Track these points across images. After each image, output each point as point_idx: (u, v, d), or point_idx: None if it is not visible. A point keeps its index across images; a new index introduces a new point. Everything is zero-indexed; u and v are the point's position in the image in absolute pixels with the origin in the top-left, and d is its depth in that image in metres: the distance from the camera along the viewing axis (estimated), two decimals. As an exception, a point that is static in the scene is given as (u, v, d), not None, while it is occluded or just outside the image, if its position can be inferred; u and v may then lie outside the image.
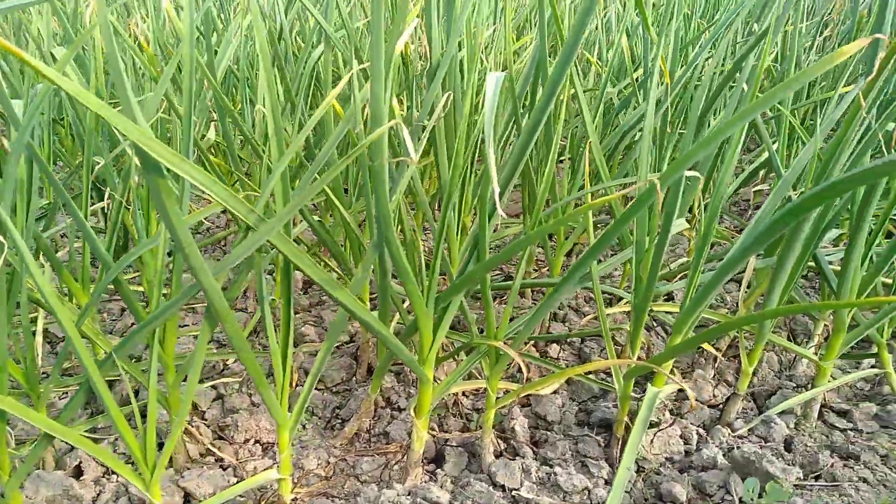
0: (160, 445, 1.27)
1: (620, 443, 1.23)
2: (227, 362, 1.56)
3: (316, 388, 1.47)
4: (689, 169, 0.97)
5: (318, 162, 0.96)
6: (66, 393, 1.43)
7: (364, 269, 1.09)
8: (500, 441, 1.30)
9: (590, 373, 1.52)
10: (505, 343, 1.13)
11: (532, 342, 1.60)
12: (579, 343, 1.63)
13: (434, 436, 1.31)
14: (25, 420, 0.88)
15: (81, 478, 1.18)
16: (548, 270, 1.96)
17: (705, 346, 1.36)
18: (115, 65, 0.69)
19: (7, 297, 0.91)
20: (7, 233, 0.81)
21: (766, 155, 1.65)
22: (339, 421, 1.40)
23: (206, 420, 1.39)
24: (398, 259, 0.98)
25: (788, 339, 1.68)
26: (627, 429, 1.23)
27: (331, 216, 1.79)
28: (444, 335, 1.11)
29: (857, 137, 1.08)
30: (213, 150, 1.87)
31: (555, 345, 1.61)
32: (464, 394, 1.46)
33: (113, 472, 1.22)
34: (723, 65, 1.67)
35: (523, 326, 1.11)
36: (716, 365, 1.49)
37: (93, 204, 1.52)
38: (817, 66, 0.73)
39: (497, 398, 1.22)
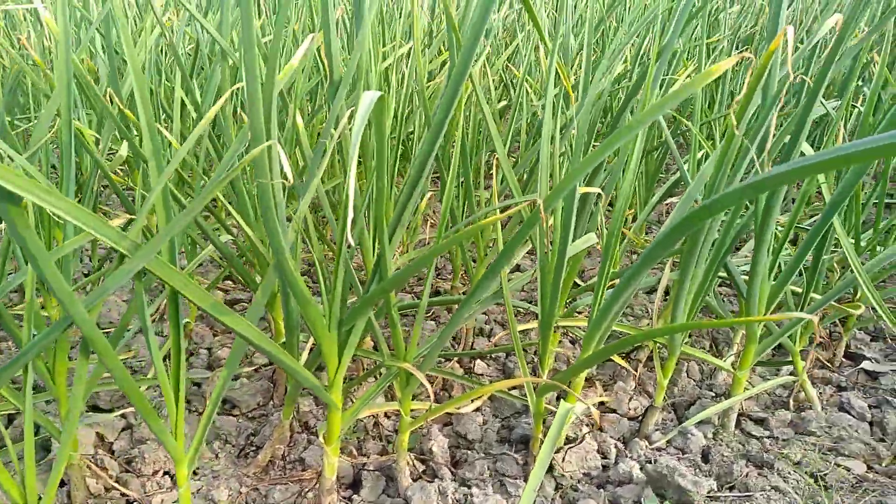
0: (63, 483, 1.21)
1: (535, 460, 1.21)
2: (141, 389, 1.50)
3: (230, 415, 1.42)
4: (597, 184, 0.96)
5: (213, 181, 0.92)
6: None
7: (264, 292, 1.05)
8: (419, 463, 1.27)
9: (514, 388, 1.51)
10: (414, 364, 1.11)
11: (456, 358, 1.58)
12: (504, 358, 1.61)
13: (352, 460, 1.28)
14: None
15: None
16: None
17: (616, 358, 1.36)
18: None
19: None
20: None
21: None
22: (254, 448, 1.35)
23: (113, 452, 1.33)
24: (292, 282, 0.95)
25: (711, 348, 1.70)
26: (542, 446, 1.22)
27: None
28: (351, 358, 1.08)
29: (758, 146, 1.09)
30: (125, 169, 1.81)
31: (480, 360, 1.59)
32: (386, 415, 1.43)
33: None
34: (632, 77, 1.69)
35: (430, 348, 1.09)
36: (637, 376, 1.49)
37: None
38: (695, 81, 0.73)
39: (415, 418, 1.19)
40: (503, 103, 2.23)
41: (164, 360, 1.52)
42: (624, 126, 0.79)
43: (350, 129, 1.32)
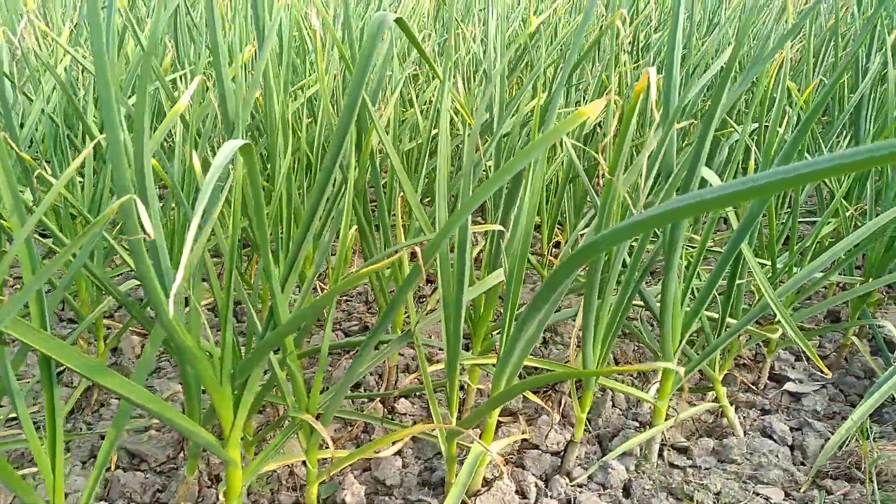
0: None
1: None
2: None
3: (137, 470, 1.35)
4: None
5: (81, 235, 0.87)
6: None
7: (153, 345, 1.00)
8: (331, 514, 1.22)
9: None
10: (317, 417, 1.07)
11: (380, 398, 1.54)
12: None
13: (262, 514, 1.22)
14: None
15: None
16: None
17: (530, 395, 1.33)
18: None
19: None
20: None
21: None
22: (161, 506, 1.28)
23: (8, 518, 1.25)
24: (174, 335, 0.90)
25: (637, 374, 1.69)
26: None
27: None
28: (248, 410, 1.03)
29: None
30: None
31: (405, 399, 1.55)
32: (304, 463, 1.38)
33: None
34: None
35: (333, 396, 1.05)
36: (560, 409, 1.47)
37: None
38: (564, 124, 0.71)
39: (326, 467, 1.14)
40: (415, 143, 2.20)
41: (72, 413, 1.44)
42: (502, 169, 0.77)
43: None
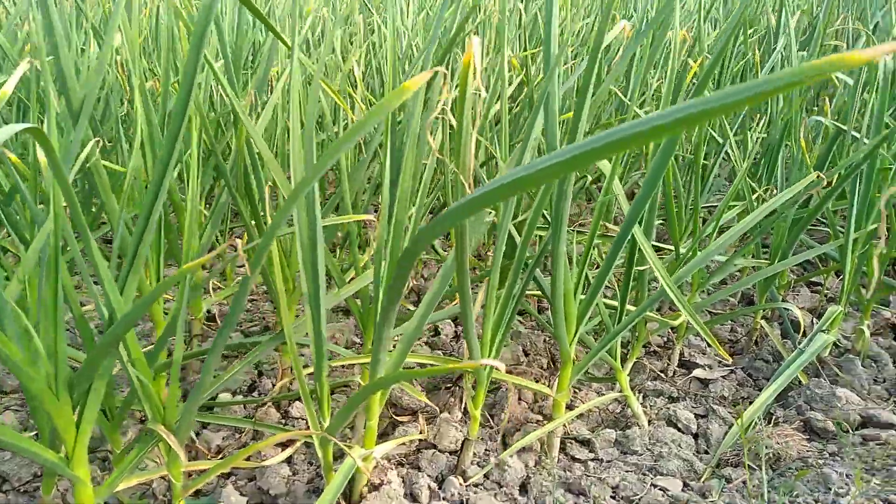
0: None
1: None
2: None
3: (1, 491, 1.24)
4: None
5: None
6: None
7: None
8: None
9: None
10: (172, 432, 0.98)
11: (271, 403, 1.45)
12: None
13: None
14: None
15: None
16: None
17: (411, 389, 1.27)
18: None
19: None
20: None
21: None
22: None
23: None
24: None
25: (549, 366, 1.65)
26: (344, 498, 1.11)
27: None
28: (90, 426, 0.93)
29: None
30: None
31: (299, 402, 1.47)
32: (189, 475, 1.28)
33: None
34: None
35: (187, 407, 0.96)
36: (462, 406, 1.41)
37: None
38: (390, 96, 0.64)
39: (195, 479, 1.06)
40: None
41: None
42: (344, 136, 0.69)
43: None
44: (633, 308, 1.35)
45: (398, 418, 1.39)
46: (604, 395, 1.50)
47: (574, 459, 1.31)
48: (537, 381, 1.45)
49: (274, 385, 1.55)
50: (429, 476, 1.23)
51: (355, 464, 1.02)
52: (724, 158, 1.93)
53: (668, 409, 1.45)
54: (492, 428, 1.40)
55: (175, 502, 1.05)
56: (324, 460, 1.06)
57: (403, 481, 1.19)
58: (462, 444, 1.26)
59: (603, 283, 1.22)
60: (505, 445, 1.36)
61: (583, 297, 1.24)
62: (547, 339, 1.72)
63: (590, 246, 1.22)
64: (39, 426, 1.05)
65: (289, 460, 1.30)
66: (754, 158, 1.93)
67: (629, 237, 1.20)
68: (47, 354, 0.88)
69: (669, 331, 1.73)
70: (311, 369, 1.17)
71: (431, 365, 1.23)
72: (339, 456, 1.31)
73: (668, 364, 1.63)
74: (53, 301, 0.87)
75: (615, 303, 1.38)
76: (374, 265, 1.01)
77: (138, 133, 1.12)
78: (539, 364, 1.65)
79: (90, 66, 1.41)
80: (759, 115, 2.16)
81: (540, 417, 1.42)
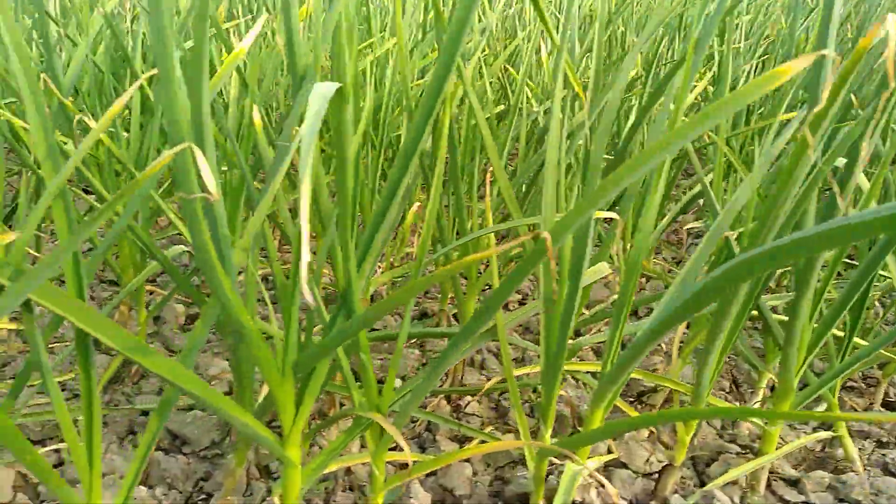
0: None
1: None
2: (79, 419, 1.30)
3: (180, 453, 1.23)
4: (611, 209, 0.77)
5: (126, 188, 0.73)
6: None
7: (205, 323, 0.86)
8: (392, 526, 1.08)
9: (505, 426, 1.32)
10: (390, 412, 0.92)
11: (443, 395, 1.39)
12: (497, 395, 1.42)
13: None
14: None
15: None
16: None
17: (626, 407, 1.17)
18: None
19: None
20: None
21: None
22: (203, 496, 1.16)
23: (39, 495, 1.13)
24: (232, 314, 0.76)
25: (731, 389, 1.51)
26: (543, 513, 1.03)
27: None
28: (310, 409, 0.88)
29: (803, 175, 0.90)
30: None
31: (470, 398, 1.40)
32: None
33: None
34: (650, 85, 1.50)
35: (410, 396, 0.89)
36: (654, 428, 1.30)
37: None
38: (754, 85, 0.54)
39: (394, 474, 1.00)
40: (501, 107, 2.03)
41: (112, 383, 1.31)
42: (660, 140, 0.59)
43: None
44: (860, 341, 1.20)
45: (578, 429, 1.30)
46: (797, 429, 1.36)
47: (783, 500, 1.17)
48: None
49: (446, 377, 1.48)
50: (624, 499, 1.13)
51: (575, 479, 0.93)
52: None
53: (883, 455, 1.29)
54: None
55: (374, 495, 1.00)
56: (536, 472, 0.97)
57: (604, 502, 1.09)
58: (662, 469, 1.15)
59: (843, 310, 1.07)
60: (697, 473, 1.24)
61: (815, 325, 1.11)
62: (729, 359, 1.59)
63: (833, 269, 1.08)
64: (240, 401, 1.01)
65: (467, 459, 1.23)
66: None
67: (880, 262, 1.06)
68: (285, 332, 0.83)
69: (872, 367, 1.55)
70: (526, 369, 1.10)
71: (653, 384, 1.12)
72: (513, 463, 1.23)
73: (872, 403, 1.46)
74: (295, 276, 0.82)
75: (838, 332, 1.23)
76: (623, 276, 0.90)
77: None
78: (720, 385, 1.51)
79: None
80: None
81: (735, 447, 1.29)
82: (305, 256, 0.40)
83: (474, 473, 1.20)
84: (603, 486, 1.12)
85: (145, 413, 1.32)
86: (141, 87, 1.33)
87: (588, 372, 1.15)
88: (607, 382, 0.89)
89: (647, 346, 0.81)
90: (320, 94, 0.52)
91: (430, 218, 0.90)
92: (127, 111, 1.38)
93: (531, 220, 0.90)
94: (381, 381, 1.41)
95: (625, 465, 1.21)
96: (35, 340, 0.69)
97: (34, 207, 0.63)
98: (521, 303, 1.82)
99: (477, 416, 1.37)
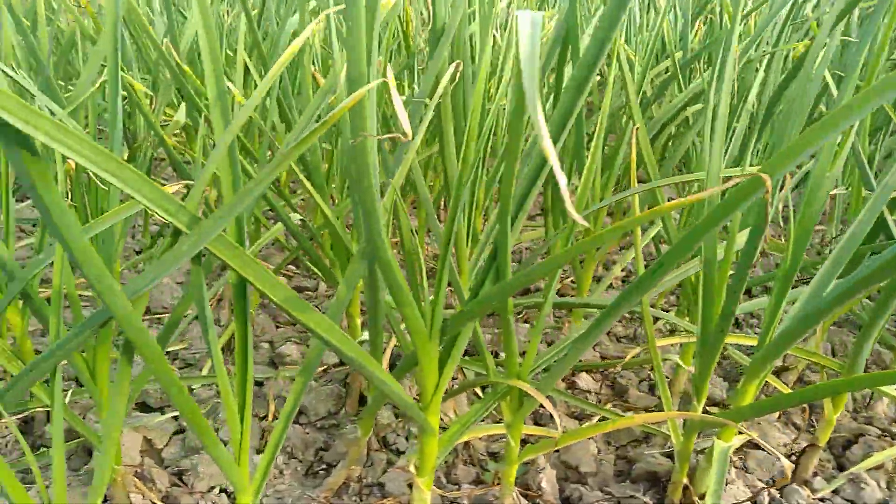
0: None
1: (675, 509, 0.98)
2: (194, 388, 1.32)
3: (297, 423, 1.22)
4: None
5: (293, 141, 0.71)
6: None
7: (348, 285, 0.83)
8: (522, 499, 1.04)
9: (628, 410, 1.27)
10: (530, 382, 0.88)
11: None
12: (613, 372, 1.37)
13: (441, 492, 1.06)
14: None
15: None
16: (572, 281, 1.71)
17: (777, 383, 1.10)
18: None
19: None
20: None
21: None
22: (324, 466, 1.15)
23: (163, 461, 1.14)
24: (390, 273, 0.73)
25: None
26: (685, 491, 0.98)
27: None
28: (451, 374, 0.85)
29: None
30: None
31: (585, 373, 1.36)
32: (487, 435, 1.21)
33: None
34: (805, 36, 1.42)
35: (555, 363, 0.86)
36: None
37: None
38: None
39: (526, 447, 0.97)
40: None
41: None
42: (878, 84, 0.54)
43: (450, 89, 1.09)
44: None
45: (706, 408, 1.24)
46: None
47: (934, 487, 1.09)
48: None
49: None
50: (759, 480, 1.07)
51: (726, 455, 0.88)
52: None
53: None
54: (810, 433, 1.21)
55: (509, 467, 0.96)
56: (681, 448, 0.93)
57: (745, 484, 1.04)
58: (804, 450, 1.09)
59: None
60: (834, 456, 1.17)
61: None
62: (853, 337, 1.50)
63: None
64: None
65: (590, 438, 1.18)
66: None
67: None
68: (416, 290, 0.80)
69: None
70: (670, 339, 1.05)
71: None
72: (635, 441, 1.19)
73: None
74: (448, 234, 0.79)
75: None
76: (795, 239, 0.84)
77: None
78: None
79: None
80: None
81: (874, 429, 1.21)
82: (562, 179, 0.36)
83: (598, 451, 1.16)
84: (745, 466, 1.07)
85: (258, 383, 1.32)
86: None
87: (739, 346, 1.09)
88: (764, 357, 0.83)
89: (818, 318, 0.75)
90: (528, 20, 0.49)
91: (587, 176, 0.86)
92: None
93: (692, 177, 0.84)
94: (495, 354, 1.38)
95: (756, 446, 1.15)
96: (201, 288, 0.68)
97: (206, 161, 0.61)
98: (624, 280, 1.76)
99: (594, 393, 1.32)
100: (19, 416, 1.19)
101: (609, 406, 1.27)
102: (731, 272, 0.82)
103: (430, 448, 0.89)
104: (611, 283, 1.67)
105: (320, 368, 1.36)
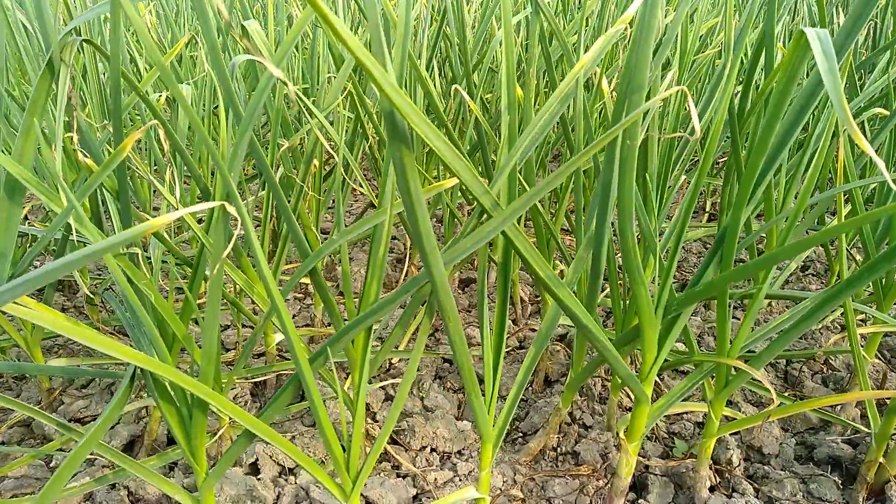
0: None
1: (868, 487, 1.04)
2: (393, 361, 1.48)
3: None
4: None
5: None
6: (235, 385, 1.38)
7: (577, 267, 0.95)
8: (711, 473, 1.13)
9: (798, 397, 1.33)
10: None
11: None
12: (784, 364, 1.43)
13: (641, 459, 1.16)
14: (222, 413, 0.80)
15: (259, 476, 1.12)
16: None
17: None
18: (372, 14, 0.59)
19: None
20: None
21: None
22: (520, 434, 1.27)
23: (378, 423, 1.30)
24: (629, 251, 0.84)
25: None
26: (879, 470, 1.04)
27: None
28: (670, 347, 0.96)
29: None
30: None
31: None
32: (665, 416, 1.30)
33: (290, 472, 1.15)
34: None
35: (769, 345, 0.94)
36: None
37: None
38: None
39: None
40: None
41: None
42: None
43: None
44: None
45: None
46: None
47: None
48: None
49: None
50: None
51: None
52: None
53: None
54: None
55: (706, 440, 1.05)
56: (881, 430, 0.99)
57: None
58: None
59: None
60: None
61: None
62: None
63: None
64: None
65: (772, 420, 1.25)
66: None
67: None
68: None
69: None
70: (869, 329, 1.10)
71: None
72: (811, 429, 1.24)
73: None
74: (684, 222, 0.89)
75: None
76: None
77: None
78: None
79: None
80: None
81: None
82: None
83: (777, 436, 1.23)
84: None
85: (447, 361, 1.46)
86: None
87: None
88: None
89: None
90: (816, 36, 0.59)
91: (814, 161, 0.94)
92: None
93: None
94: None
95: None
96: (484, 265, 0.81)
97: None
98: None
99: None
100: (254, 380, 1.38)
101: (788, 394, 1.33)
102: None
103: (641, 417, 0.99)
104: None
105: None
